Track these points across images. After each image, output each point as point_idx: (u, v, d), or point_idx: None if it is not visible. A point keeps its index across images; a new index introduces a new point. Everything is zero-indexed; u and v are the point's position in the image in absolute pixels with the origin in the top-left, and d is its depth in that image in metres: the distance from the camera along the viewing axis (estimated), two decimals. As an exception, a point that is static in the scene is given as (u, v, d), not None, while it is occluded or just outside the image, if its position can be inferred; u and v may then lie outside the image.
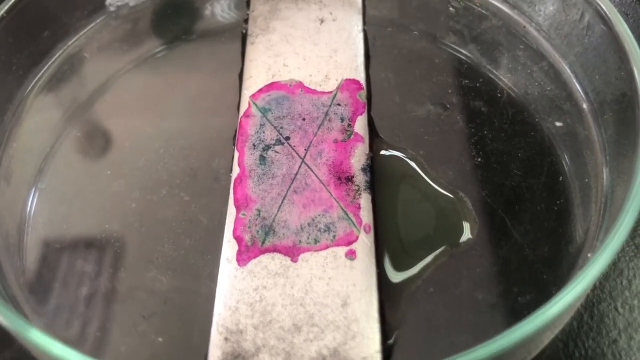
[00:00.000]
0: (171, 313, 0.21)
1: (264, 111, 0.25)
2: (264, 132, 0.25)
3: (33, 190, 0.25)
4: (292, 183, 0.23)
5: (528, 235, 0.22)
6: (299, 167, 0.23)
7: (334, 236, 0.22)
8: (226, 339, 0.19)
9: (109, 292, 0.22)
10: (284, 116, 0.25)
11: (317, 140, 0.24)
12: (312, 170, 0.23)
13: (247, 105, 0.25)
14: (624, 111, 0.22)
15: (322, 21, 0.29)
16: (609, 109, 0.24)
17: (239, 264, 0.21)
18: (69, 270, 0.23)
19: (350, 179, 0.23)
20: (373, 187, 0.23)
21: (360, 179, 0.23)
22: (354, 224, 0.22)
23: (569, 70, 0.27)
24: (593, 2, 0.25)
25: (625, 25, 0.23)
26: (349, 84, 0.26)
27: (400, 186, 0.24)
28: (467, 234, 0.22)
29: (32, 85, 0.28)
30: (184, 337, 0.21)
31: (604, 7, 0.24)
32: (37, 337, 0.17)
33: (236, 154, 0.24)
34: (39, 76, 0.29)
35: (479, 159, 0.25)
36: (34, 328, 0.17)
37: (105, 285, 0.22)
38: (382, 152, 0.25)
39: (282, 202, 0.22)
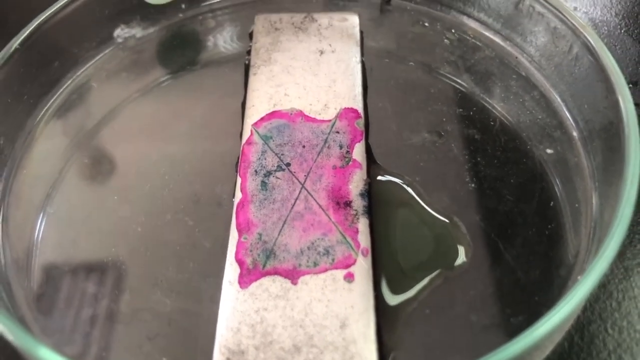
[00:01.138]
0: (175, 334, 0.22)
1: (265, 139, 0.26)
2: (265, 159, 0.25)
3: (42, 215, 0.26)
4: (292, 208, 0.24)
5: (520, 258, 0.23)
6: (299, 192, 0.24)
7: (333, 259, 0.22)
8: (228, 359, 0.20)
9: (114, 314, 0.23)
10: (284, 143, 0.26)
11: (316, 166, 0.25)
12: (311, 196, 0.24)
13: (249, 133, 0.26)
14: (611, 139, 0.23)
15: (321, 53, 0.30)
16: (597, 136, 0.25)
17: (240, 287, 0.22)
18: (76, 292, 0.23)
19: (348, 204, 0.24)
20: (371, 211, 0.24)
21: (358, 204, 0.24)
22: (352, 248, 0.22)
23: (559, 100, 0.28)
24: (581, 34, 0.26)
25: (611, 57, 0.24)
26: (347, 113, 0.27)
27: (397, 211, 0.24)
28: (461, 258, 0.23)
29: (42, 113, 0.29)
30: (187, 358, 0.21)
31: (590, 40, 0.25)
32: (47, 355, 0.17)
33: (239, 180, 0.25)
34: (48, 105, 0.29)
35: (473, 185, 0.25)
36: (43, 346, 0.17)
37: (110, 306, 0.23)
38: (379, 178, 0.25)
39: (282, 226, 0.23)
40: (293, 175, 0.25)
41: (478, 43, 0.31)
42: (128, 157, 0.28)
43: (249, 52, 0.31)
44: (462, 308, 0.22)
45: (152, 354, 0.21)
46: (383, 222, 0.24)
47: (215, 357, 0.20)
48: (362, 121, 0.27)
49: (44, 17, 0.28)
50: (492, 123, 0.28)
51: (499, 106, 0.28)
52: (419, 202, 0.25)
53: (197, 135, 0.28)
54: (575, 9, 0.35)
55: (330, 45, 0.30)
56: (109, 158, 0.28)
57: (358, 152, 0.25)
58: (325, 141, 0.26)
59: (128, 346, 0.22)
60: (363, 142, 0.26)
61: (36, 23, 0.27)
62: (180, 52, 0.33)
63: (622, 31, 0.33)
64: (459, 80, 0.30)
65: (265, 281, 0.22)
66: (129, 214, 0.25)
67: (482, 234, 0.24)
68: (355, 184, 0.24)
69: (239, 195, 0.24)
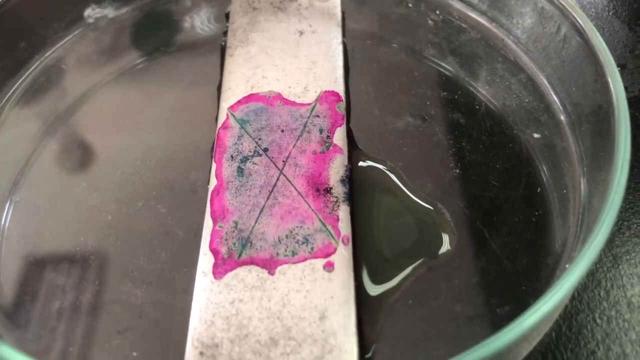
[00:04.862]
0: (146, 327, 0.21)
1: (242, 123, 0.25)
2: (242, 144, 0.24)
3: (8, 203, 0.25)
4: (270, 195, 0.23)
5: (506, 246, 0.22)
6: (277, 178, 0.23)
7: (312, 248, 0.21)
8: (202, 353, 0.19)
9: (83, 306, 0.22)
10: (262, 128, 0.25)
11: (295, 151, 0.24)
12: (290, 182, 0.23)
13: (225, 117, 0.25)
14: (601, 123, 0.22)
15: (301, 33, 0.29)
16: (586, 120, 0.24)
17: (215, 277, 0.21)
18: (43, 284, 0.22)
19: (328, 190, 0.23)
20: (352, 198, 0.23)
21: (339, 190, 0.23)
22: (332, 236, 0.22)
23: (546, 83, 0.27)
24: (569, 15, 0.25)
25: (601, 38, 0.23)
26: (328, 96, 0.26)
27: (379, 198, 0.24)
28: (445, 246, 0.22)
29: (7, 97, 0.28)
30: (159, 352, 0.21)
31: (579, 20, 0.24)
32: (7, 353, 0.16)
33: (214, 166, 0.24)
34: (14, 88, 0.28)
35: (458, 171, 0.25)
36: (3, 343, 0.16)
37: (78, 299, 0.22)
38: (361, 163, 0.25)
39: (259, 214, 0.22)
40: (271, 160, 0.24)
41: (463, 25, 0.31)
42: (99, 143, 0.27)
43: (225, 33, 0.30)
44: (446, 298, 0.21)
45: (122, 348, 0.21)
46: (364, 210, 0.23)
47: (188, 351, 0.19)
48: (343, 105, 0.26)
49: (7, -6, 0.26)
50: (477, 107, 0.27)
51: (484, 90, 0.28)
52: (401, 189, 0.24)
53: (171, 119, 0.27)
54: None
55: (310, 25, 0.29)
56: (78, 144, 0.27)
57: (339, 137, 0.25)
58: (305, 125, 0.25)
59: (97, 340, 0.21)
60: (344, 126, 0.25)
61: (-1, 0, 0.26)
62: (155, 33, 0.32)
63: (610, 13, 0.33)
64: (443, 63, 0.29)
65: (241, 271, 0.21)
66: (98, 201, 0.24)
67: (467, 221, 0.23)
68: (336, 169, 0.24)
69: (214, 181, 0.23)
